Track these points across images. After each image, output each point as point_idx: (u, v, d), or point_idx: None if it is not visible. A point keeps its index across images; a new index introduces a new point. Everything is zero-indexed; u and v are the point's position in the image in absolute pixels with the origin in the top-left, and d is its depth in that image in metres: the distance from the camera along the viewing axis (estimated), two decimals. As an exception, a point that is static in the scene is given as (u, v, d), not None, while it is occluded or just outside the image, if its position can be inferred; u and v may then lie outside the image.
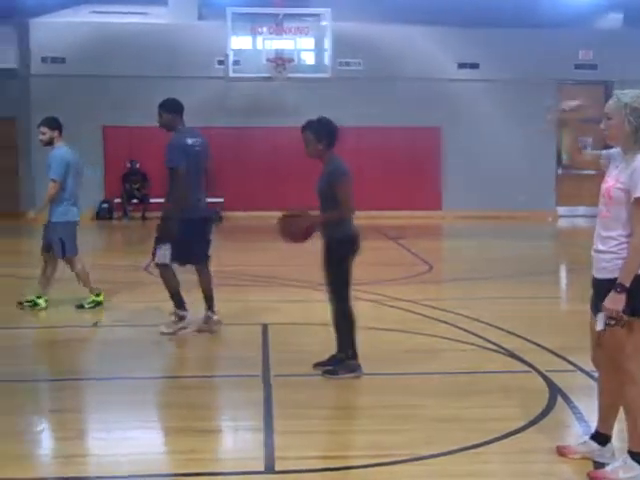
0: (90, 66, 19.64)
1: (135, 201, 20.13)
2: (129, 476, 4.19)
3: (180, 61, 19.93)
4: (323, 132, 5.84)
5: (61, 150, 8.26)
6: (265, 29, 19.25)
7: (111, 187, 20.27)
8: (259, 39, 19.57)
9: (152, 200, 19.99)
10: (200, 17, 20.54)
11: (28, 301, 8.34)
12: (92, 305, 8.39)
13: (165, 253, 7.13)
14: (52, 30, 19.66)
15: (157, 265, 7.32)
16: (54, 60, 19.69)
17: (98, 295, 8.46)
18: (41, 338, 7.62)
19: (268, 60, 19.10)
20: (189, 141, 7.23)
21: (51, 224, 8.23)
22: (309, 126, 5.86)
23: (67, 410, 5.37)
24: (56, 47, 19.66)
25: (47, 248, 8.31)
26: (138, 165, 20.04)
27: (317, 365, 6.02)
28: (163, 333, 7.25)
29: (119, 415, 5.18)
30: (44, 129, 8.26)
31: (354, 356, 5.93)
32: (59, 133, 8.31)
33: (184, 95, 21.00)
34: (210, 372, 6.31)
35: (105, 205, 20.29)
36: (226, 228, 18.90)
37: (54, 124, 8.33)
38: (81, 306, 8.38)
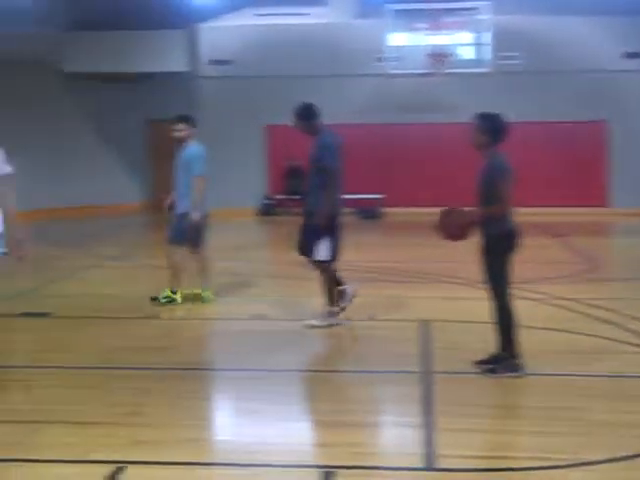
0: (254, 67, 20.26)
1: (296, 197, 20.54)
2: (289, 465, 4.30)
3: (340, 59, 20.18)
4: (488, 125, 5.82)
5: (197, 147, 8.50)
6: (424, 25, 19.18)
7: (273, 184, 20.82)
8: (417, 35, 19.53)
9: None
10: (359, 15, 20.71)
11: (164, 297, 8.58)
12: (166, 300, 8.51)
13: (328, 249, 7.28)
14: (219, 34, 20.42)
15: (319, 261, 7.47)
16: (221, 63, 20.44)
17: (175, 293, 8.56)
18: (200, 329, 7.96)
19: (426, 56, 19.02)
20: (334, 141, 7.40)
21: (179, 215, 8.47)
22: (479, 116, 5.89)
23: (226, 399, 5.60)
24: (223, 50, 20.40)
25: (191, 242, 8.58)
26: (298, 163, 20.44)
27: (478, 363, 5.96)
28: (313, 326, 7.42)
29: (279, 406, 5.33)
30: (182, 126, 8.44)
31: (515, 355, 5.84)
32: (194, 130, 8.54)
33: (344, 93, 21.43)
34: (368, 367, 6.34)
35: (267, 201, 20.86)
36: (386, 224, 19.02)
37: (192, 121, 8.56)
38: (155, 298, 8.54)
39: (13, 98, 17.88)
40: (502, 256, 5.77)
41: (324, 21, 20.33)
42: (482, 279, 5.90)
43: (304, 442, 4.73)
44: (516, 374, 5.78)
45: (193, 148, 8.46)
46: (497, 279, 5.79)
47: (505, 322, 5.81)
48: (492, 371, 5.82)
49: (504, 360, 5.82)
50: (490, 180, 5.74)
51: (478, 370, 5.88)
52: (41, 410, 5.19)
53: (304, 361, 6.46)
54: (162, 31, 19.62)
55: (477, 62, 19.27)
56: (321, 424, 5.13)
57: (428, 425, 4.82)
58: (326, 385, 5.94)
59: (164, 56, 20.03)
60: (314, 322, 7.46)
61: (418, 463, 4.29)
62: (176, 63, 20.17)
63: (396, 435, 4.93)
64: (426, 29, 19.13)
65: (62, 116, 19.86)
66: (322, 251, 7.35)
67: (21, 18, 18.05)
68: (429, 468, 4.24)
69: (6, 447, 4.53)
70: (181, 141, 8.47)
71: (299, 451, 4.54)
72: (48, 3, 19.25)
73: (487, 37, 18.94)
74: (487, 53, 18.99)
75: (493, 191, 5.71)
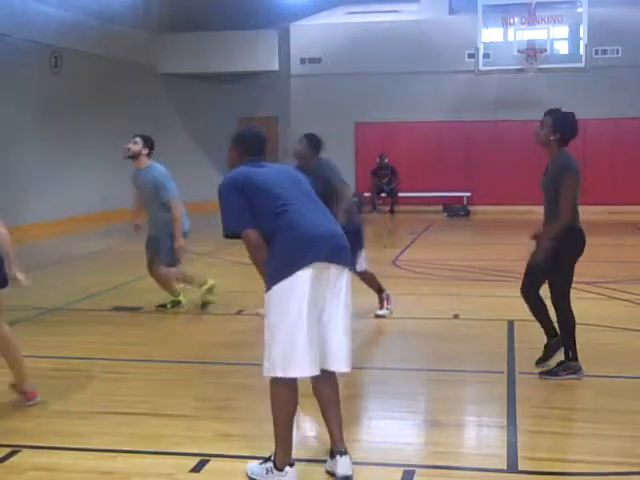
0: (344, 65, 20.36)
1: (384, 195, 20.55)
2: (371, 464, 4.34)
3: (431, 56, 20.08)
4: (562, 124, 5.60)
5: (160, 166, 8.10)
6: (517, 19, 18.92)
7: (361, 181, 20.84)
8: (510, 30, 19.27)
9: (400, 194, 20.37)
10: (451, 11, 20.58)
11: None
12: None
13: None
14: (310, 33, 20.61)
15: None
16: (311, 61, 20.63)
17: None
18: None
19: (519, 51, 18.75)
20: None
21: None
22: (553, 113, 5.68)
23: (312, 395, 5.66)
24: (313, 48, 20.59)
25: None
26: (387, 160, 20.44)
27: (539, 363, 5.91)
28: (378, 315, 7.84)
29: (361, 404, 5.38)
30: (139, 139, 8.00)
31: (574, 357, 5.70)
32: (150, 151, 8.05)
33: (434, 90, 21.25)
34: (455, 366, 6.30)
35: (355, 199, 20.82)
36: (473, 222, 18.83)
37: (149, 141, 8.08)
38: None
39: (111, 97, 18.43)
40: (568, 257, 5.62)
41: (415, 18, 20.26)
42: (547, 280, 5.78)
43: (387, 440, 4.75)
44: (575, 376, 5.66)
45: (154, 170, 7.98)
46: (559, 280, 5.65)
47: (566, 323, 5.70)
48: (551, 373, 5.72)
49: (564, 362, 5.72)
50: (553, 182, 5.56)
51: (539, 370, 5.81)
52: (136, 402, 5.38)
53: (386, 359, 6.48)
54: (254, 31, 19.94)
55: (571, 57, 18.89)
56: (404, 422, 5.14)
57: (511, 426, 4.79)
58: (409, 383, 5.94)
59: (256, 55, 20.34)
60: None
61: (500, 465, 4.26)
62: (267, 62, 20.46)
63: (478, 435, 4.95)
64: (520, 24, 18.87)
65: (157, 115, 20.38)
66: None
67: (120, 18, 18.65)
68: (511, 470, 4.20)
69: (107, 437, 4.71)
70: (133, 157, 7.96)
71: (381, 449, 4.57)
72: (144, 5, 19.82)
73: (582, 31, 18.52)
74: (582, 47, 18.59)
75: (557, 192, 5.53)
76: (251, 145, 4.28)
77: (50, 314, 8.32)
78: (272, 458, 4.04)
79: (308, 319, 3.87)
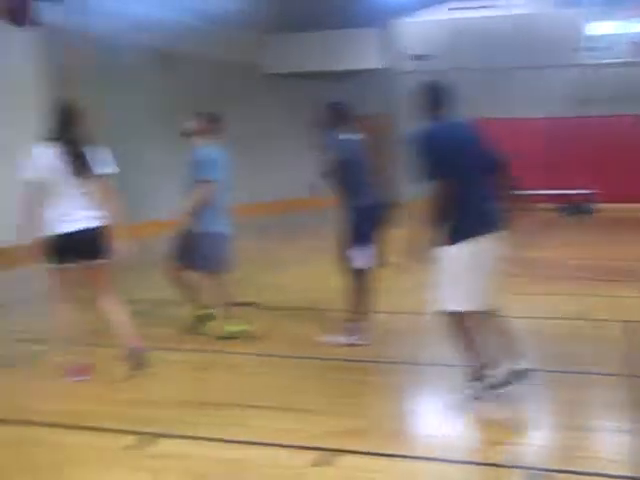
0: (452, 60, 20.13)
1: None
2: (471, 463, 4.38)
3: (538, 50, 19.69)
4: None
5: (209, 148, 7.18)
6: (626, 11, 18.42)
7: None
8: (619, 23, 18.78)
9: (521, 193, 19.98)
10: (558, 5, 20.15)
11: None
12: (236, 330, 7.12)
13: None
14: (416, 30, 20.57)
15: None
16: (418, 57, 20.58)
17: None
18: (405, 323, 7.79)
19: (630, 44, 18.23)
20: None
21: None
22: None
23: (433, 393, 5.66)
24: (419, 45, 20.54)
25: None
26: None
27: None
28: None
29: (481, 404, 5.27)
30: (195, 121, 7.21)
31: None
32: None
33: (543, 85, 20.70)
34: (570, 368, 6.14)
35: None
36: (598, 220, 18.19)
37: (206, 116, 7.30)
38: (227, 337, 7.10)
39: (221, 99, 18.78)
40: None
41: (522, 12, 19.94)
42: None
43: (502, 441, 4.66)
44: None
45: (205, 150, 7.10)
46: None
47: None
48: None
49: None
50: None
51: None
52: (255, 396, 5.51)
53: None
54: (357, 29, 19.98)
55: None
56: (520, 424, 5.07)
57: (635, 431, 4.68)
58: (527, 385, 5.88)
59: (360, 54, 20.38)
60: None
61: (624, 471, 4.17)
62: (372, 60, 20.47)
63: (600, 440, 4.81)
64: (629, 16, 18.38)
65: (265, 115, 20.64)
66: None
67: (227, 20, 19.00)
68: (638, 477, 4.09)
69: (239, 429, 4.85)
70: (189, 136, 7.18)
71: (493, 450, 4.52)
72: (249, 6, 20.13)
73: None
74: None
75: None
76: (437, 100, 5.09)
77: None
78: (471, 378, 5.05)
79: (476, 272, 4.87)
